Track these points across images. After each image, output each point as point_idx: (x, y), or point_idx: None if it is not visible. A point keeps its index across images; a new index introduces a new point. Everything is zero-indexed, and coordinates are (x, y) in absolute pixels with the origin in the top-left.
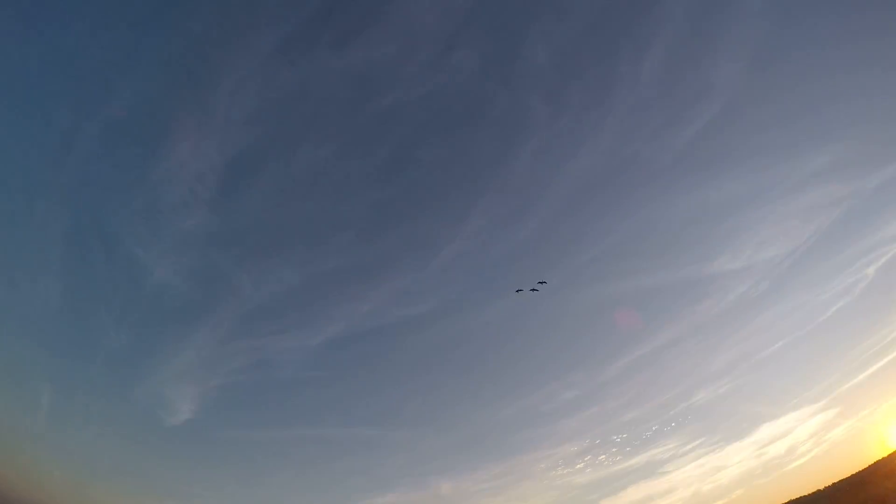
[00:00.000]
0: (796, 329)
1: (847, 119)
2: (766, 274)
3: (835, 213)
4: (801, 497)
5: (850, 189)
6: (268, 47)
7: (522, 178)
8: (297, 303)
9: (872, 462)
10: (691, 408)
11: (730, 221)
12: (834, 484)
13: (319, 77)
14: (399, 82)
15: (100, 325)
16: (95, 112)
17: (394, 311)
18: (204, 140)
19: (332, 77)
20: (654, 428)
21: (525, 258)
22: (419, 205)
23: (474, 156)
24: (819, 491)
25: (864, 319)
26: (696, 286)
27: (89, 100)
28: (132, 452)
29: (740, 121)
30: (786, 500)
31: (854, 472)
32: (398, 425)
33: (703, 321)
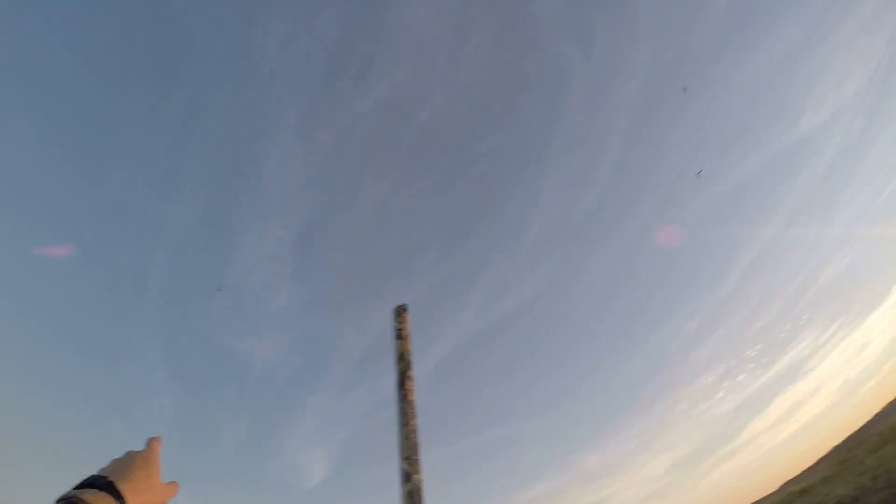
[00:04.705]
0: None
1: None
2: (855, 110)
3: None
4: None
5: None
6: None
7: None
8: None
9: None
10: (822, 289)
11: (798, 73)
12: None
13: None
14: None
15: (215, 421)
16: None
17: (496, 309)
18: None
19: None
20: (787, 327)
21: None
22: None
23: None
24: None
25: None
26: (788, 156)
27: None
28: None
29: None
30: None
31: None
32: (528, 416)
33: (807, 188)
